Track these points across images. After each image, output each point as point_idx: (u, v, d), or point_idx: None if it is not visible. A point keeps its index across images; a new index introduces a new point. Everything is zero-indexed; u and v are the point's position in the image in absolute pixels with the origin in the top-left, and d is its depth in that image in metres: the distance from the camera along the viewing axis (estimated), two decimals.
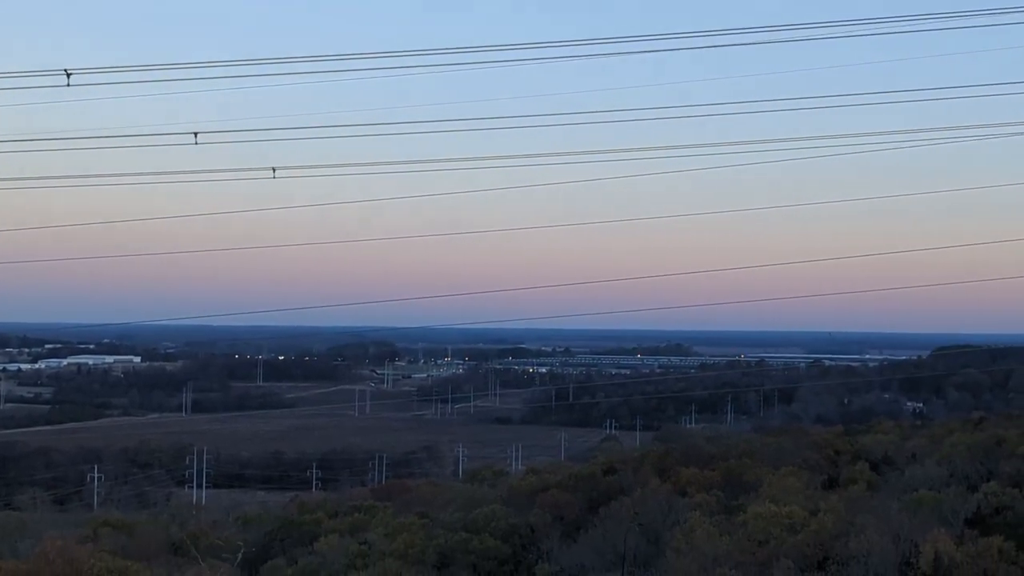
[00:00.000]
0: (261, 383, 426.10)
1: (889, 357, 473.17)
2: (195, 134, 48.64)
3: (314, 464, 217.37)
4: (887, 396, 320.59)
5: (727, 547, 60.28)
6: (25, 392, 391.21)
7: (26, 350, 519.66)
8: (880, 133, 57.19)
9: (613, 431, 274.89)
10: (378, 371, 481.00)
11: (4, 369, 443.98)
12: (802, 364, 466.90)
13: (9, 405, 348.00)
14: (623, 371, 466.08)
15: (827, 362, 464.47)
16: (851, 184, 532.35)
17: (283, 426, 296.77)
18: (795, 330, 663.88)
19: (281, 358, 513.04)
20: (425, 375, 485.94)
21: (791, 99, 56.59)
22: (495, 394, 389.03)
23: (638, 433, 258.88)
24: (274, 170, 52.08)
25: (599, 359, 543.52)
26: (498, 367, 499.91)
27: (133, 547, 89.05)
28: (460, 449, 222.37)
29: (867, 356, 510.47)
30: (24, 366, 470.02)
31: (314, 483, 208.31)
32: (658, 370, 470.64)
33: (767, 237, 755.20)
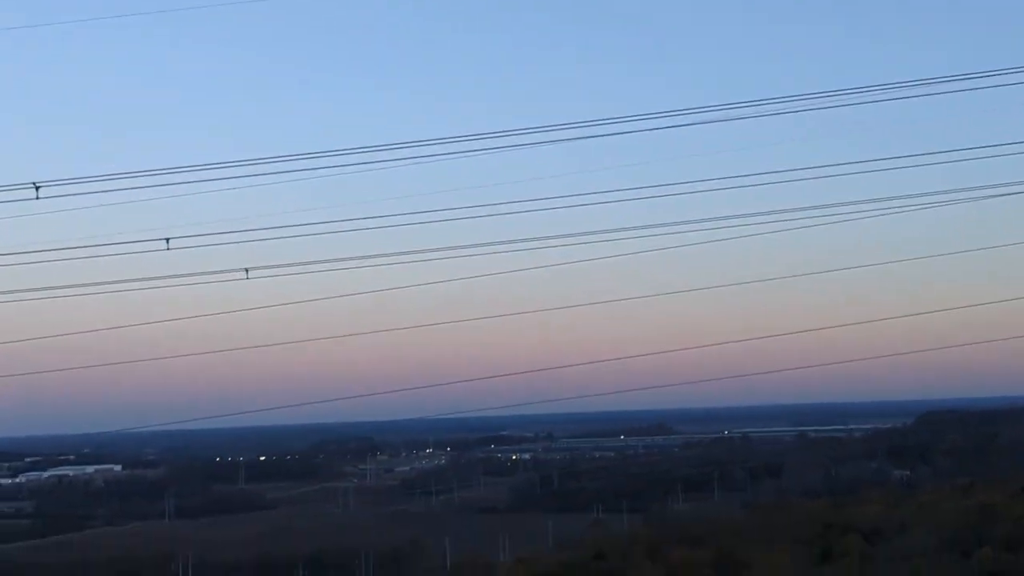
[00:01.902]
0: (243, 485, 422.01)
1: (875, 426, 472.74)
2: (167, 239, 48.51)
3: (300, 565, 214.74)
4: (874, 465, 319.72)
5: None
6: (6, 507, 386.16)
7: (6, 465, 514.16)
8: (853, 203, 57.59)
9: (600, 515, 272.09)
10: (360, 466, 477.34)
11: None
12: (787, 437, 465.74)
13: None
14: (607, 453, 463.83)
15: (812, 434, 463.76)
16: (827, 254, 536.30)
17: (268, 527, 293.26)
18: (778, 403, 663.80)
19: (262, 458, 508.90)
20: (407, 468, 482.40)
21: (768, 172, 56.86)
22: (479, 483, 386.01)
23: (625, 516, 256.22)
24: (247, 271, 51.91)
25: (582, 443, 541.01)
26: (480, 456, 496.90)
27: None
28: (447, 542, 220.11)
29: (852, 426, 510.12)
30: (4, 480, 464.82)
31: None
32: (642, 451, 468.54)
33: (745, 311, 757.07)
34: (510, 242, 57.31)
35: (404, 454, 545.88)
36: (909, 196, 57.25)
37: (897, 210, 59.56)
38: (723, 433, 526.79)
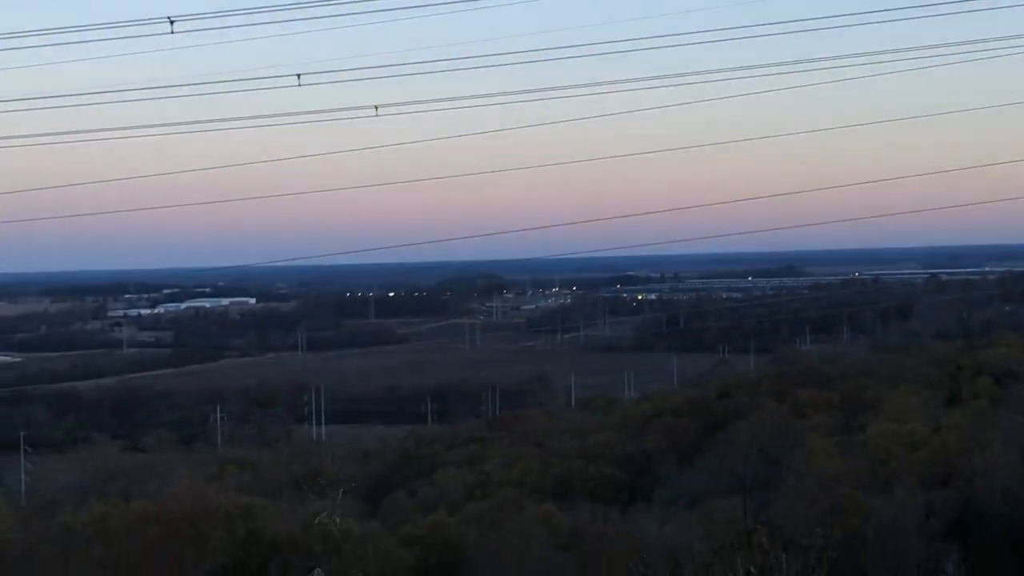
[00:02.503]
0: (373, 319, 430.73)
1: (1010, 268, 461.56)
2: (298, 75, 48.60)
3: (428, 398, 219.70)
4: (1008, 309, 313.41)
5: (847, 467, 59.66)
6: (146, 336, 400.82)
7: (145, 296, 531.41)
8: (997, 39, 55.44)
9: (726, 355, 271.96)
10: (486, 304, 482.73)
11: (125, 315, 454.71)
12: (919, 279, 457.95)
13: (132, 350, 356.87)
14: (734, 295, 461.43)
15: (945, 276, 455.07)
16: (960, 93, 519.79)
17: (396, 361, 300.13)
18: (910, 245, 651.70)
19: (391, 294, 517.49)
20: (533, 306, 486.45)
21: (900, 8, 54.80)
22: (604, 323, 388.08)
23: (752, 357, 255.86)
24: (376, 108, 51.96)
25: (709, 283, 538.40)
26: (606, 296, 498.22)
27: (258, 484, 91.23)
28: (572, 379, 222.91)
29: (986, 268, 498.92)
30: (144, 311, 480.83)
31: (429, 417, 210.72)
32: (770, 292, 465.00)
33: (877, 152, 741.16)
34: (639, 80, 56.61)
35: (530, 293, 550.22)
36: None
37: None
38: (853, 275, 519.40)
